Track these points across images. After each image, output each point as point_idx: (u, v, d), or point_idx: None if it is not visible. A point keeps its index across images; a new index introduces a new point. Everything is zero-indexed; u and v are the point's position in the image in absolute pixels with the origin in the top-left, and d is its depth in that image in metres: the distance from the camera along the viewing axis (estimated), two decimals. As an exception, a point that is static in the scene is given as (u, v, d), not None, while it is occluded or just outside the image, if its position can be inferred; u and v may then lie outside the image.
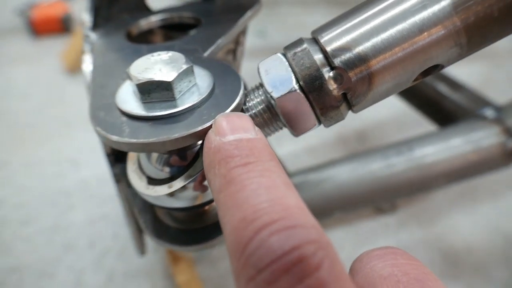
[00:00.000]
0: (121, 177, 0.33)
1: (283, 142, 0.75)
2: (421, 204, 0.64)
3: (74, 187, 0.69)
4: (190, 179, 0.23)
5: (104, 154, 0.31)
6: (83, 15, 0.33)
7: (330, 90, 0.21)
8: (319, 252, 0.14)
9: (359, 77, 0.21)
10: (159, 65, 0.21)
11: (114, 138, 0.19)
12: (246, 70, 0.40)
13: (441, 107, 0.53)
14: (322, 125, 0.23)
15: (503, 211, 0.63)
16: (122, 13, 0.35)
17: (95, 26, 0.33)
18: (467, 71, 0.83)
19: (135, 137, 0.19)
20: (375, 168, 0.45)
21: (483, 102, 0.50)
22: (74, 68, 0.94)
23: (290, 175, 0.49)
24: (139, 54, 0.28)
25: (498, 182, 0.66)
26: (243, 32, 0.38)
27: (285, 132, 0.24)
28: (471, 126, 0.47)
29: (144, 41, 0.36)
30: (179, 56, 0.22)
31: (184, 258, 0.55)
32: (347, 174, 0.46)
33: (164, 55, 0.22)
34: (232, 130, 0.19)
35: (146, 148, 0.19)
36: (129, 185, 0.30)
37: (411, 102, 0.58)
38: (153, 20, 0.34)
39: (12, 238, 0.61)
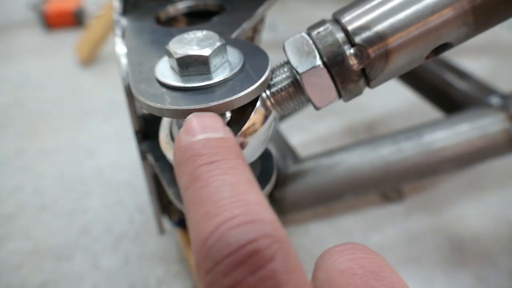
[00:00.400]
0: (147, 154, 0.35)
1: (293, 132, 0.77)
2: (428, 193, 0.65)
3: (90, 174, 0.71)
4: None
5: (133, 131, 0.33)
6: (113, 2, 0.35)
7: (351, 65, 0.23)
8: (274, 245, 0.15)
9: (377, 53, 0.23)
10: (195, 42, 0.23)
11: (158, 105, 0.21)
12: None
13: (448, 95, 0.54)
14: (339, 101, 0.26)
15: (510, 201, 0.64)
16: (148, 1, 0.37)
17: (124, 12, 0.35)
18: (474, 65, 0.85)
19: (177, 104, 0.21)
20: (385, 153, 0.47)
21: (489, 90, 0.52)
22: (88, 61, 0.96)
23: (302, 160, 0.51)
24: (170, 36, 0.30)
25: (505, 172, 0.68)
26: (261, 21, 0.40)
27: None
28: (477, 113, 0.49)
29: (167, 27, 0.38)
30: (213, 34, 0.24)
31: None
32: (358, 158, 0.48)
33: (199, 33, 0.24)
34: (201, 129, 0.19)
35: (186, 114, 0.21)
36: (156, 159, 0.32)
37: (419, 91, 0.60)
38: (180, 6, 0.36)
39: (31, 223, 0.63)
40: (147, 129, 0.34)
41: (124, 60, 0.32)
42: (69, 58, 1.01)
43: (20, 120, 0.85)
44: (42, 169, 0.72)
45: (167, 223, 0.51)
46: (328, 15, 0.26)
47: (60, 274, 0.56)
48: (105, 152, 0.76)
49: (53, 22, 1.14)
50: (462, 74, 0.55)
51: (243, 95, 0.22)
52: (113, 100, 0.90)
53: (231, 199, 0.16)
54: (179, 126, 0.27)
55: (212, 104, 0.21)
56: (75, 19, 1.15)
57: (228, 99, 0.21)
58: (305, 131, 0.77)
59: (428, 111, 0.74)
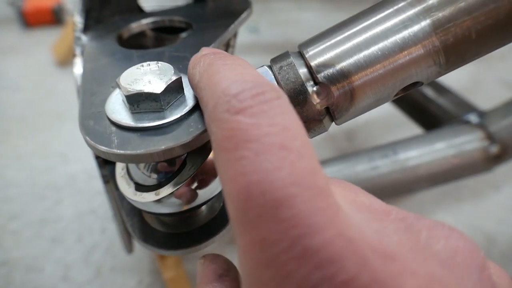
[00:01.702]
0: (109, 178, 0.33)
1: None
2: (406, 202, 0.65)
3: (63, 181, 0.69)
4: (177, 187, 0.23)
5: (93, 156, 0.32)
6: (75, 17, 0.33)
7: (314, 104, 0.22)
8: (281, 92, 0.17)
9: (341, 92, 0.22)
10: (148, 76, 0.22)
11: (104, 149, 0.20)
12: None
13: (427, 111, 0.54)
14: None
15: (485, 211, 0.65)
16: (114, 15, 0.35)
17: (86, 28, 0.33)
18: (457, 73, 0.84)
19: (124, 148, 0.20)
20: (361, 170, 0.47)
21: (468, 107, 0.51)
22: (65, 61, 0.93)
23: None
24: (130, 60, 0.29)
25: (480, 183, 0.68)
26: (234, 35, 0.39)
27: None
28: (455, 130, 0.48)
29: (135, 42, 0.36)
30: (168, 67, 0.22)
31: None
32: (333, 175, 0.47)
33: (154, 65, 0.23)
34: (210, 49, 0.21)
35: (135, 159, 0.20)
36: (117, 187, 0.31)
37: (398, 105, 0.59)
38: (144, 23, 0.34)
39: (0, 232, 0.61)
40: None
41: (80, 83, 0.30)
42: (46, 58, 0.98)
43: (-8, 123, 0.82)
44: (13, 175, 0.70)
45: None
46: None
47: (30, 286, 0.54)
48: (79, 159, 0.74)
49: (31, 20, 1.11)
50: (441, 89, 0.54)
51: (195, 137, 0.20)
52: (89, 103, 0.87)
53: (243, 73, 0.18)
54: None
55: (162, 149, 0.20)
56: (54, 17, 1.11)
57: (180, 142, 0.20)
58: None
59: (406, 120, 0.74)
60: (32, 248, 0.59)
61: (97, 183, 0.68)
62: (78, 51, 0.31)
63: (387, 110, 0.81)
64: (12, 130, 0.80)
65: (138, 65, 0.23)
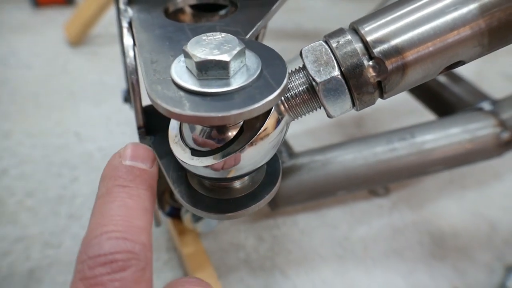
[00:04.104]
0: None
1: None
2: (412, 189, 0.67)
3: (78, 159, 0.70)
4: (234, 152, 0.25)
5: (137, 126, 0.33)
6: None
7: (368, 78, 0.23)
8: (133, 261, 0.21)
9: (394, 66, 0.23)
10: (215, 45, 0.23)
11: (177, 110, 0.21)
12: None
13: (442, 98, 0.56)
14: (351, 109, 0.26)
15: (488, 199, 0.67)
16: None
17: (130, 1, 0.34)
18: (462, 66, 0.86)
19: (197, 110, 0.21)
20: (379, 151, 0.49)
21: (481, 95, 0.53)
22: (77, 41, 0.93)
23: (296, 155, 0.52)
24: (182, 32, 0.30)
25: (484, 172, 0.71)
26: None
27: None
28: (469, 117, 0.50)
29: (173, 18, 0.37)
30: (232, 38, 0.24)
31: (190, 231, 0.57)
32: (352, 155, 0.49)
33: (218, 36, 0.24)
34: (132, 157, 0.25)
35: (207, 121, 0.21)
36: (160, 157, 0.32)
37: (412, 92, 0.61)
38: (189, -2, 0.35)
39: (17, 208, 0.61)
40: (148, 122, 0.33)
41: (131, 53, 0.31)
42: (57, 37, 0.98)
43: (6, 100, 0.82)
44: (29, 153, 0.71)
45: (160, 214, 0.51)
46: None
47: (48, 261, 0.55)
48: (93, 137, 0.74)
49: None
50: (456, 78, 0.57)
51: (263, 104, 0.22)
52: (103, 83, 0.88)
53: (122, 217, 0.22)
54: (190, 127, 0.27)
55: (233, 113, 0.21)
56: (65, -3, 1.11)
57: (248, 108, 0.21)
58: (296, 123, 0.77)
59: (415, 109, 0.76)
60: (49, 224, 0.59)
61: (113, 161, 0.69)
62: (125, 23, 0.32)
63: (394, 98, 0.83)
64: (26, 108, 0.80)
65: (203, 35, 0.24)
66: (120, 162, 0.25)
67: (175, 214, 0.54)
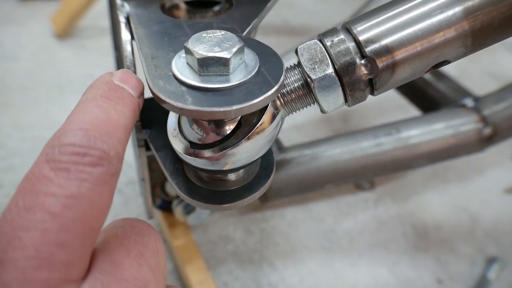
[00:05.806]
0: (144, 143, 0.35)
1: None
2: (397, 183, 0.69)
3: (67, 151, 0.70)
4: (232, 146, 0.26)
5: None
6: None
7: (360, 75, 0.25)
8: (105, 162, 0.20)
9: (384, 65, 0.25)
10: (215, 43, 0.24)
11: (179, 105, 0.22)
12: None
13: (426, 95, 0.58)
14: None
15: (470, 193, 0.69)
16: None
17: (127, -4, 0.35)
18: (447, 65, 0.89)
19: (200, 105, 0.22)
20: (366, 146, 0.50)
21: (464, 92, 0.56)
22: (65, 33, 0.92)
23: (286, 149, 0.53)
24: (180, 28, 0.31)
25: (466, 166, 0.73)
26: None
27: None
28: (452, 113, 0.52)
29: (169, 14, 0.38)
30: (231, 36, 0.25)
31: (180, 223, 0.57)
32: (340, 150, 0.50)
33: (218, 33, 0.25)
34: (123, 80, 0.25)
35: (208, 116, 0.22)
36: (157, 149, 0.33)
37: (398, 88, 0.63)
38: (186, -7, 0.36)
39: (5, 201, 0.61)
40: (143, 116, 0.34)
41: (129, 48, 0.32)
42: (44, 29, 0.97)
43: (-9, 92, 0.81)
44: (16, 145, 0.70)
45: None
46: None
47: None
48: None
49: (27, -11, 1.07)
50: (440, 75, 0.59)
51: (262, 99, 0.23)
52: (91, 76, 0.87)
53: (103, 122, 0.21)
54: (189, 121, 0.28)
55: (234, 108, 0.22)
56: (48, -13, 1.09)
57: (248, 103, 0.22)
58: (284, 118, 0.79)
59: (400, 105, 0.78)
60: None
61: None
62: (122, 18, 0.33)
63: (381, 95, 0.85)
64: (13, 100, 0.79)
65: (203, 33, 0.25)
66: (111, 79, 0.25)
67: (166, 207, 0.55)
